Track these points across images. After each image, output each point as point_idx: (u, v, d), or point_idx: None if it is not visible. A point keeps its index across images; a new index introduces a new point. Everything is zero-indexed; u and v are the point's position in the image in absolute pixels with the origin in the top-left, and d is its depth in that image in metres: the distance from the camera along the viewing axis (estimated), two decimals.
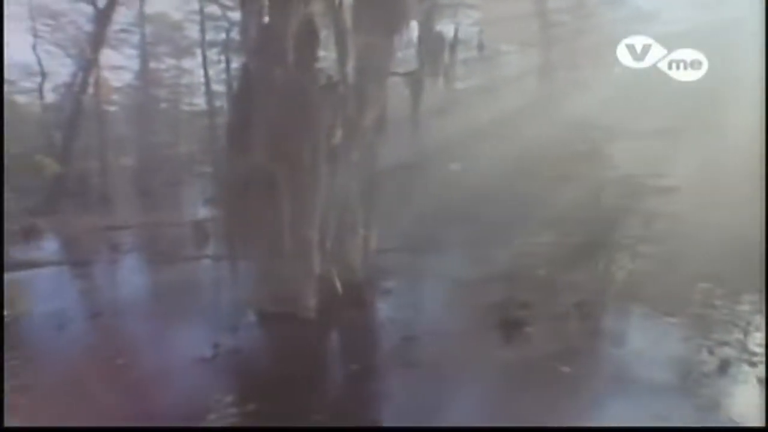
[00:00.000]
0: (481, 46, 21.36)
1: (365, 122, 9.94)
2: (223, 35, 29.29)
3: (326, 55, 10.41)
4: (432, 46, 11.90)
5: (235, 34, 26.97)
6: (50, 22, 29.08)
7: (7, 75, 21.83)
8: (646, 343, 8.37)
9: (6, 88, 20.67)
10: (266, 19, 9.75)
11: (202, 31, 29.92)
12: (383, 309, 10.43)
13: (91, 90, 26.76)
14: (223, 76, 30.60)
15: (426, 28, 11.97)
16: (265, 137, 9.01)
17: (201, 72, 32.69)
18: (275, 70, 9.05)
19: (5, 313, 8.48)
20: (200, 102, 37.62)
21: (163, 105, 37.49)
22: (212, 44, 31.04)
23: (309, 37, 9.49)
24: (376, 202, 10.63)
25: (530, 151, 15.50)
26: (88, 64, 26.12)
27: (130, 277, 13.66)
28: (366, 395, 7.29)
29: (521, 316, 9.11)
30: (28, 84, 29.13)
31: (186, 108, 38.65)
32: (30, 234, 15.05)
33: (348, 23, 10.07)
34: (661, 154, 15.32)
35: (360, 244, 10.37)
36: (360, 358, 8.08)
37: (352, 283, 10.32)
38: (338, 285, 10.07)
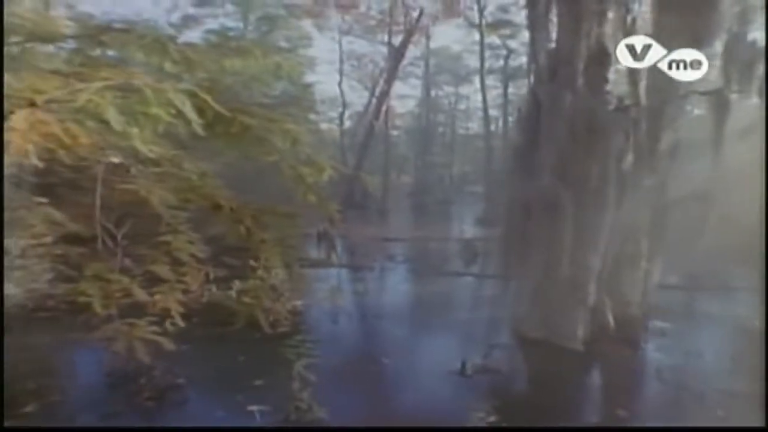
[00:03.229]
0: None
1: (659, 146, 9.17)
2: (500, 62, 30.52)
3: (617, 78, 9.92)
4: (742, 58, 10.22)
5: (513, 61, 27.86)
6: (354, 62, 35.17)
7: (318, 107, 26.99)
8: None
9: (314, 117, 25.36)
10: (554, 44, 9.82)
11: (481, 59, 31.35)
12: (657, 352, 9.29)
13: (381, 117, 30.58)
14: (499, 101, 31.91)
15: (736, 36, 10.31)
16: (553, 160, 9.02)
17: (477, 97, 34.77)
18: (565, 93, 9.02)
19: (300, 302, 9.80)
20: (474, 126, 40.22)
21: (441, 129, 40.97)
22: (489, 71, 32.61)
23: (599, 59, 9.23)
24: (664, 234, 9.66)
25: None
26: (381, 95, 30.00)
27: (400, 285, 14.62)
28: None
29: None
30: (332, 114, 35.37)
31: (461, 131, 41.76)
32: (323, 238, 17.53)
33: None
34: None
35: (640, 278, 9.53)
36: (626, 404, 7.26)
37: (626, 319, 9.48)
38: (611, 318, 9.42)
